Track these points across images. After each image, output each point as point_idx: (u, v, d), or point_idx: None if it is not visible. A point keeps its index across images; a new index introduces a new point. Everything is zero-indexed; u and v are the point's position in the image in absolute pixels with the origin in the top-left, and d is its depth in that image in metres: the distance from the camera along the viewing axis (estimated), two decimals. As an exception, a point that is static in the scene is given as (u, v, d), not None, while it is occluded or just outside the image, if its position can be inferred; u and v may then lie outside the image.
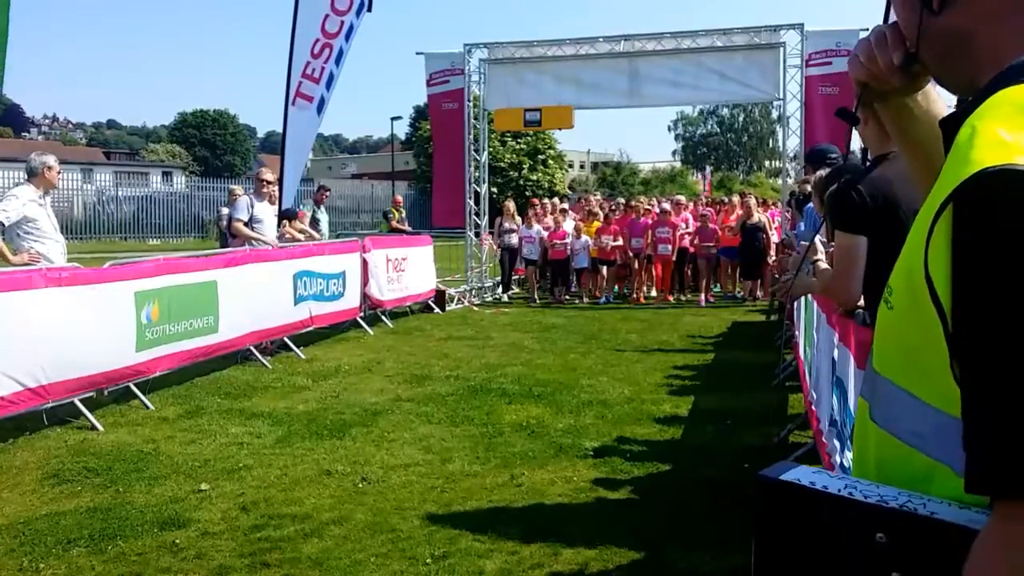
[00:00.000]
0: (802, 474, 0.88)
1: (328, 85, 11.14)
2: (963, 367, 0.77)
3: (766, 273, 13.00)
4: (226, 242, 9.10)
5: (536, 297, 14.13)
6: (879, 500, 0.81)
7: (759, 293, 13.37)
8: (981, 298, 0.74)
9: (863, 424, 1.00)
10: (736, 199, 15.12)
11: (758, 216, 13.24)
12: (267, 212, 8.86)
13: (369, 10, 11.34)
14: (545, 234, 14.08)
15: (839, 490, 0.84)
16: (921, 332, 0.83)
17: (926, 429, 0.85)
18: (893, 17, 1.09)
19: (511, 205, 15.17)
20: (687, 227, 13.98)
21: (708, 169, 46.91)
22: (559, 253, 13.84)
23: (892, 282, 0.91)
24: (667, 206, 13.99)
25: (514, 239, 14.38)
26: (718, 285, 14.73)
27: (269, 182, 8.91)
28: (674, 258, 13.66)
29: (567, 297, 14.17)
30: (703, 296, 13.52)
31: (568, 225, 14.14)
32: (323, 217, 13.13)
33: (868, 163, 2.87)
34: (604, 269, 13.92)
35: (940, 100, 1.20)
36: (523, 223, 14.52)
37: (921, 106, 1.18)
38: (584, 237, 13.67)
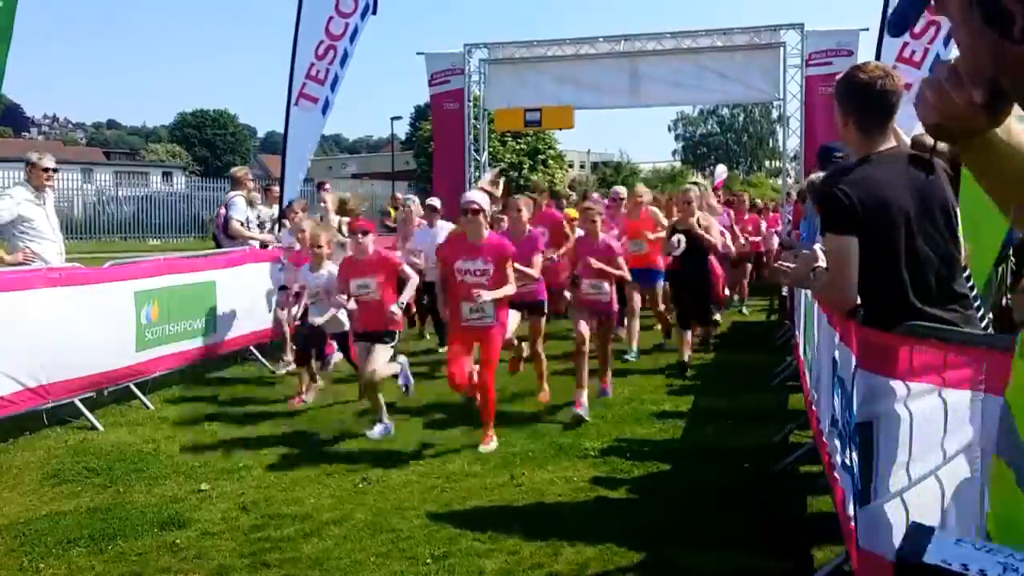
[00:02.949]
0: (948, 552, 0.78)
1: (333, 87, 11.13)
2: None
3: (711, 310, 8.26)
4: (219, 242, 9.06)
5: (426, 333, 9.73)
6: None
7: (712, 339, 9.01)
8: None
9: (1011, 491, 0.93)
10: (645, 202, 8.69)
11: (698, 216, 7.72)
12: (259, 213, 9.36)
13: (374, 12, 11.32)
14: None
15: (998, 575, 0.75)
16: None
17: None
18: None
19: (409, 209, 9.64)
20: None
21: (720, 168, 34.77)
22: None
23: None
24: (519, 198, 7.06)
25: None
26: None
27: (254, 181, 9.37)
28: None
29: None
30: (633, 346, 8.41)
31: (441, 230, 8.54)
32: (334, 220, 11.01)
33: (854, 163, 2.83)
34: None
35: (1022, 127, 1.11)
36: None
37: (1003, 139, 1.08)
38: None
